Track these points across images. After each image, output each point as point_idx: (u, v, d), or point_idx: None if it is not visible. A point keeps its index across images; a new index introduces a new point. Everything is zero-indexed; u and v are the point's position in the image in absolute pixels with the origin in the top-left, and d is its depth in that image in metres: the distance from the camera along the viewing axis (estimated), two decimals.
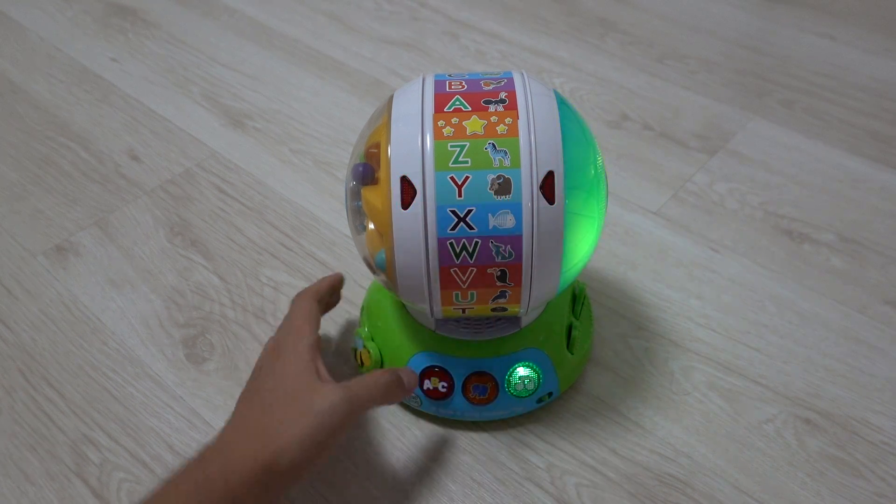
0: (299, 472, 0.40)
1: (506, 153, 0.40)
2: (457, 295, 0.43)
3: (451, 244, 0.41)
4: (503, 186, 0.40)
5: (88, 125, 0.77)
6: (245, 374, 0.55)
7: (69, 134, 0.76)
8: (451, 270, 0.42)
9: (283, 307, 0.59)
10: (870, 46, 0.87)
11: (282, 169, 0.72)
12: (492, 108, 0.41)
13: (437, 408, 0.50)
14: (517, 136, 0.40)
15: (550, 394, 0.51)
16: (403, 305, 0.52)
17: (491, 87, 0.43)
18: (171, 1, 0.96)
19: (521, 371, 0.49)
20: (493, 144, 0.40)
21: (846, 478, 0.49)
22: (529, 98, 0.42)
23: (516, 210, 0.40)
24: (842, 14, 0.92)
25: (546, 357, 0.50)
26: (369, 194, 0.43)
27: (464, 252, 0.41)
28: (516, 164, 0.40)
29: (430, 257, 0.41)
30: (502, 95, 0.42)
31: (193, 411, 0.53)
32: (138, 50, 0.88)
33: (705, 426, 0.51)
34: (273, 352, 0.46)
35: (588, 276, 0.61)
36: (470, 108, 0.41)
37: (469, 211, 0.40)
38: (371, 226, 0.44)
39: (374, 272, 0.46)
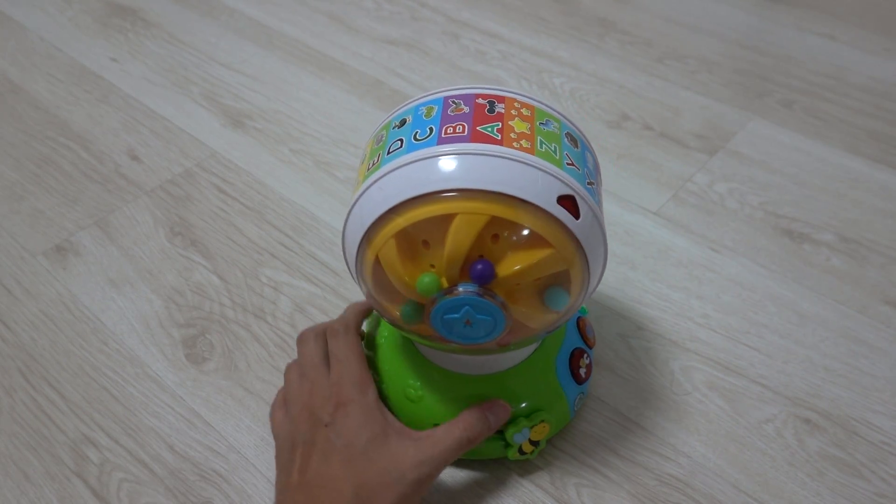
0: None
1: (550, 121, 0.42)
2: None
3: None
4: (574, 140, 0.43)
5: (88, 125, 0.78)
6: (245, 375, 0.55)
7: (69, 134, 0.76)
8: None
9: (284, 307, 0.59)
10: (870, 46, 0.87)
11: (282, 169, 0.72)
12: (498, 108, 0.41)
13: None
14: (537, 107, 0.43)
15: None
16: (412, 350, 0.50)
17: (466, 105, 0.42)
18: (170, 1, 0.96)
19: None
20: (541, 123, 0.42)
21: (846, 478, 0.49)
22: (501, 89, 0.43)
23: (588, 150, 0.44)
24: (842, 14, 0.92)
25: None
26: (521, 259, 0.39)
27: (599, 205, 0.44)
28: (558, 121, 0.43)
29: (604, 231, 0.42)
30: (485, 100, 0.42)
31: (193, 411, 0.53)
32: (138, 50, 0.88)
33: (705, 426, 0.51)
34: (340, 408, 0.44)
35: None
36: (500, 123, 0.41)
37: (588, 172, 0.42)
38: (510, 300, 0.40)
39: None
